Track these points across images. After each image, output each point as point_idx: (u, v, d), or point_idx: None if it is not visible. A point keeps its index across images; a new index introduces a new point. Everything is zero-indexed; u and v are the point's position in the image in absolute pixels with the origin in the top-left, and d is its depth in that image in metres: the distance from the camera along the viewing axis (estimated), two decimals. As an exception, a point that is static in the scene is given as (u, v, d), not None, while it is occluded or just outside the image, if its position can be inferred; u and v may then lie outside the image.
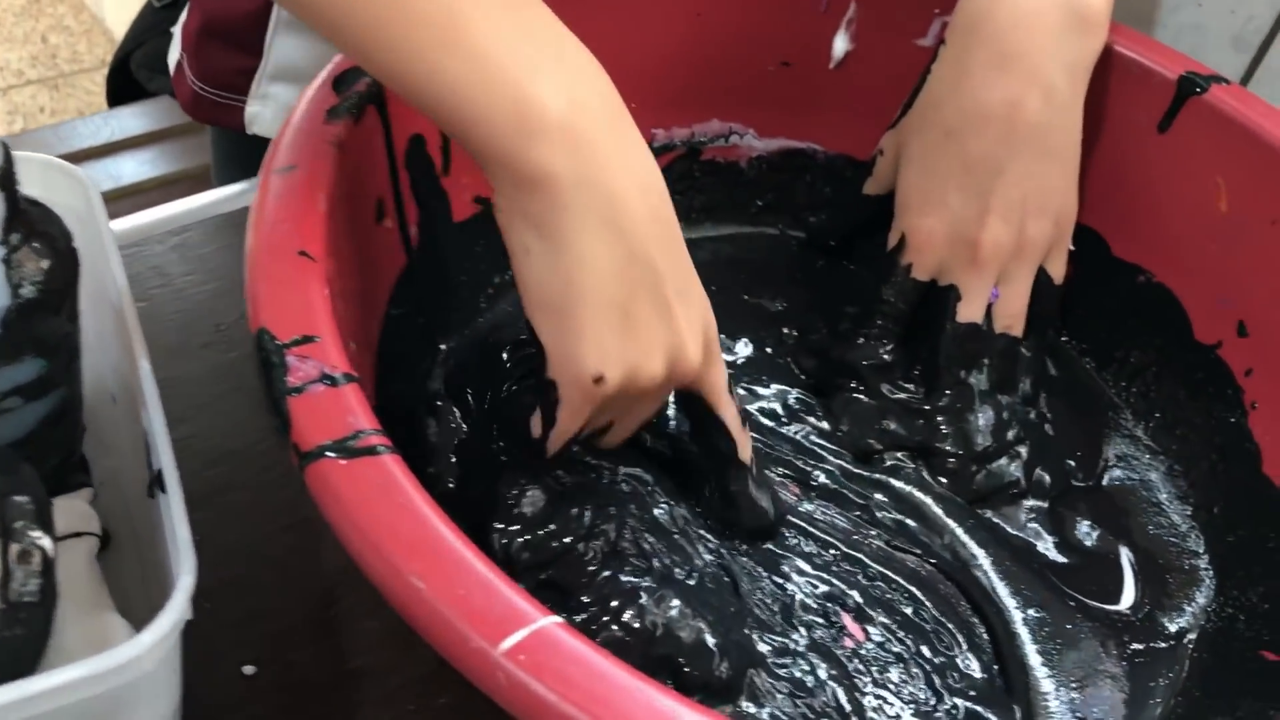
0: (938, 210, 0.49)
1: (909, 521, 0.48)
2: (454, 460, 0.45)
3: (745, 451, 0.44)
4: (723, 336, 0.45)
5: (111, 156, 1.05)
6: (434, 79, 0.34)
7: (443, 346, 0.49)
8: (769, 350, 0.54)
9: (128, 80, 0.88)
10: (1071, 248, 0.51)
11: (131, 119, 1.06)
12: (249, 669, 0.41)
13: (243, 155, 0.74)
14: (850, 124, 0.56)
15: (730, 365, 0.51)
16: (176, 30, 0.73)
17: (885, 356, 0.52)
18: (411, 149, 0.44)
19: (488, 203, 0.50)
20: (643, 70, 0.52)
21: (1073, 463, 0.51)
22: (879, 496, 0.48)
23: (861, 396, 0.51)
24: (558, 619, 0.28)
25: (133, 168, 1.04)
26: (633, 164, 0.36)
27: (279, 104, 0.69)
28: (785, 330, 0.54)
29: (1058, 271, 0.51)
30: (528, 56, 0.34)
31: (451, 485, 0.45)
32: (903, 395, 0.51)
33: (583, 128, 0.34)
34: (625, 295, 0.36)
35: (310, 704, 0.41)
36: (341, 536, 0.29)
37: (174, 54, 0.74)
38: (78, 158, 1.03)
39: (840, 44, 0.55)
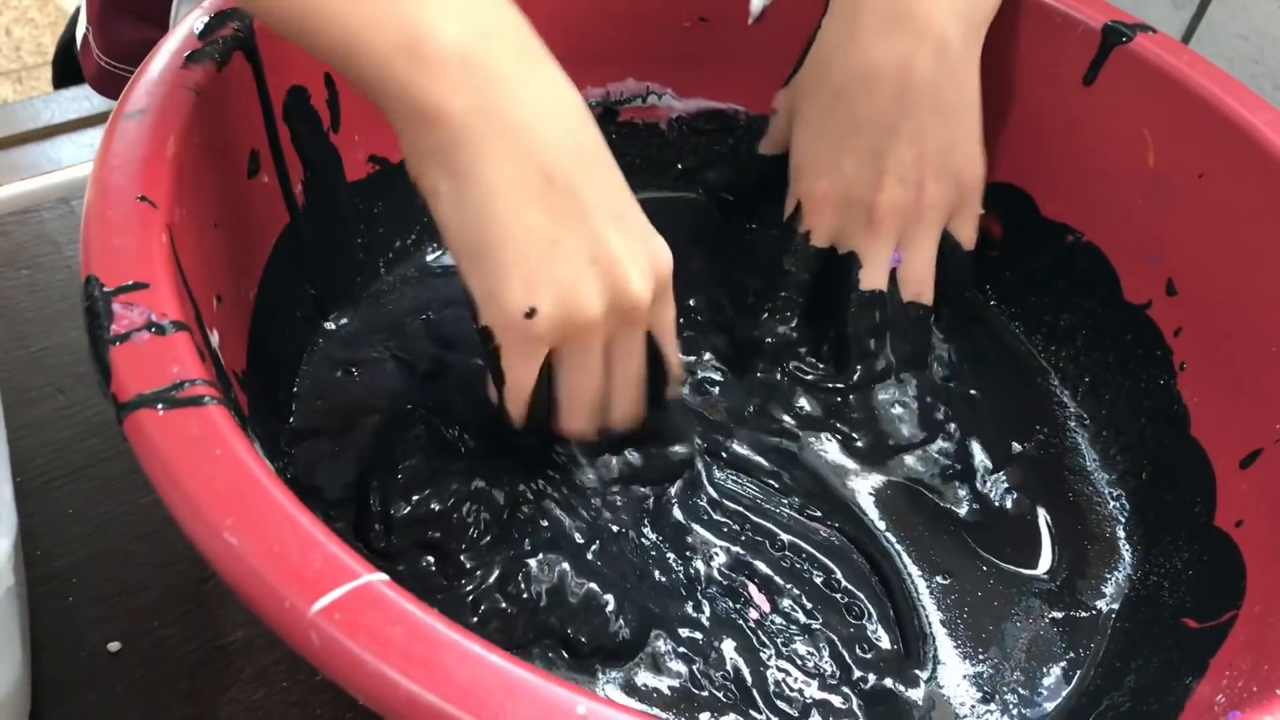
0: (831, 173, 0.47)
1: (822, 490, 0.46)
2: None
3: (677, 390, 0.42)
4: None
5: (50, 139, 1.02)
6: (318, 7, 0.31)
7: (335, 316, 0.47)
8: (679, 322, 0.52)
9: (74, 64, 0.86)
10: (981, 210, 0.49)
11: (72, 102, 1.04)
12: (114, 645, 0.39)
13: None
14: (772, 84, 0.54)
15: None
16: (81, 2, 0.71)
17: (791, 332, 0.49)
18: (292, 101, 0.42)
19: (384, 162, 0.49)
20: (552, 25, 0.50)
21: (1004, 433, 0.49)
22: (791, 468, 0.46)
23: (771, 375, 0.49)
24: (383, 576, 0.26)
25: (72, 151, 1.01)
26: (542, 90, 0.34)
27: None
28: (692, 303, 0.52)
29: (966, 236, 0.49)
30: None
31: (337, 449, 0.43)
32: (811, 375, 0.49)
33: (481, 55, 0.32)
34: (547, 223, 0.33)
35: (177, 681, 0.38)
36: (158, 491, 0.27)
37: (80, 27, 0.72)
38: (14, 141, 1.00)
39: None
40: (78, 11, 0.85)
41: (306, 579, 0.25)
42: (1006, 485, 0.47)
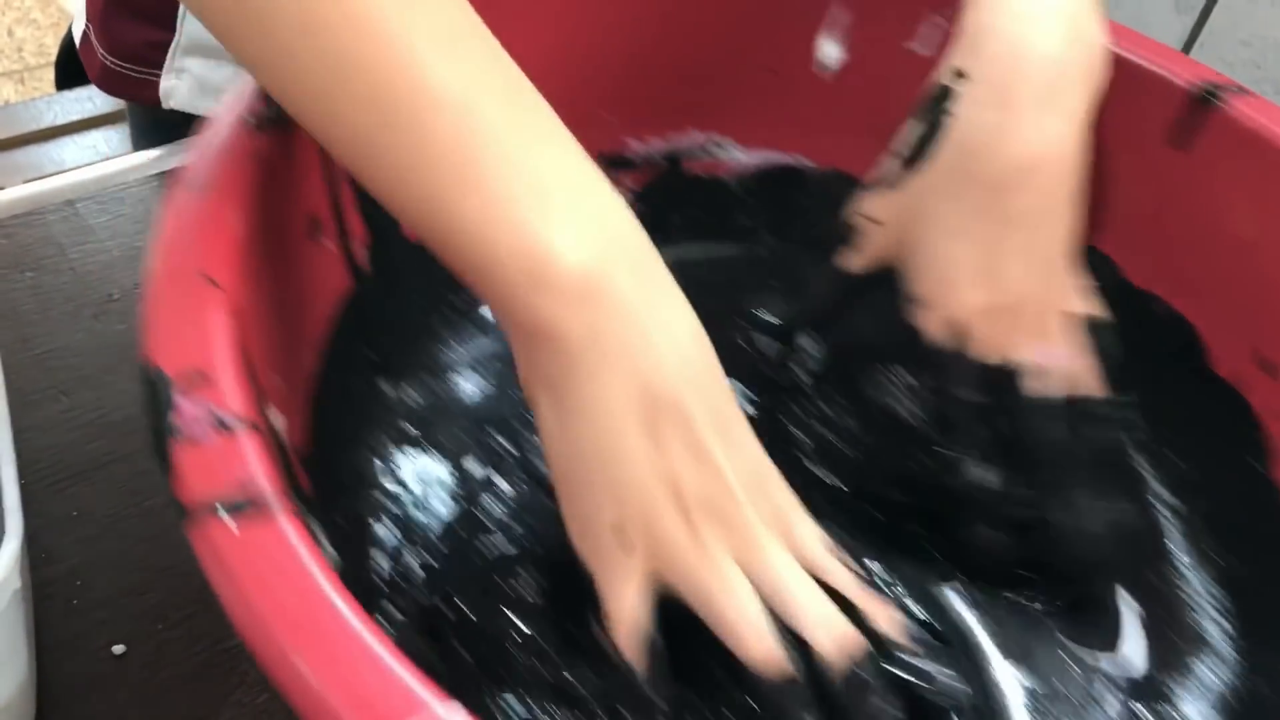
0: (990, 282, 0.41)
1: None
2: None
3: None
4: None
5: (54, 141, 1.02)
6: (446, 219, 0.30)
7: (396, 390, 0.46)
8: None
9: (77, 65, 0.85)
10: None
11: (75, 103, 1.04)
12: (118, 648, 0.39)
13: (161, 129, 0.70)
14: (842, 138, 0.53)
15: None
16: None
17: (991, 480, 0.43)
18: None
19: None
20: (614, 74, 0.49)
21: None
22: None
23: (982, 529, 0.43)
24: (458, 706, 0.24)
25: (75, 153, 1.01)
26: (660, 315, 0.32)
27: (195, 78, 0.66)
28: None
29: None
30: (545, 200, 0.31)
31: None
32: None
33: (601, 278, 0.31)
34: (648, 446, 0.32)
35: (182, 684, 0.38)
36: (226, 609, 0.26)
37: (79, 25, 0.71)
38: (18, 142, 1.00)
39: (828, 49, 0.51)
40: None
41: (380, 710, 0.24)
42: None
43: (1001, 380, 0.43)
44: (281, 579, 0.25)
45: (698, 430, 0.32)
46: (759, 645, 0.33)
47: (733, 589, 0.33)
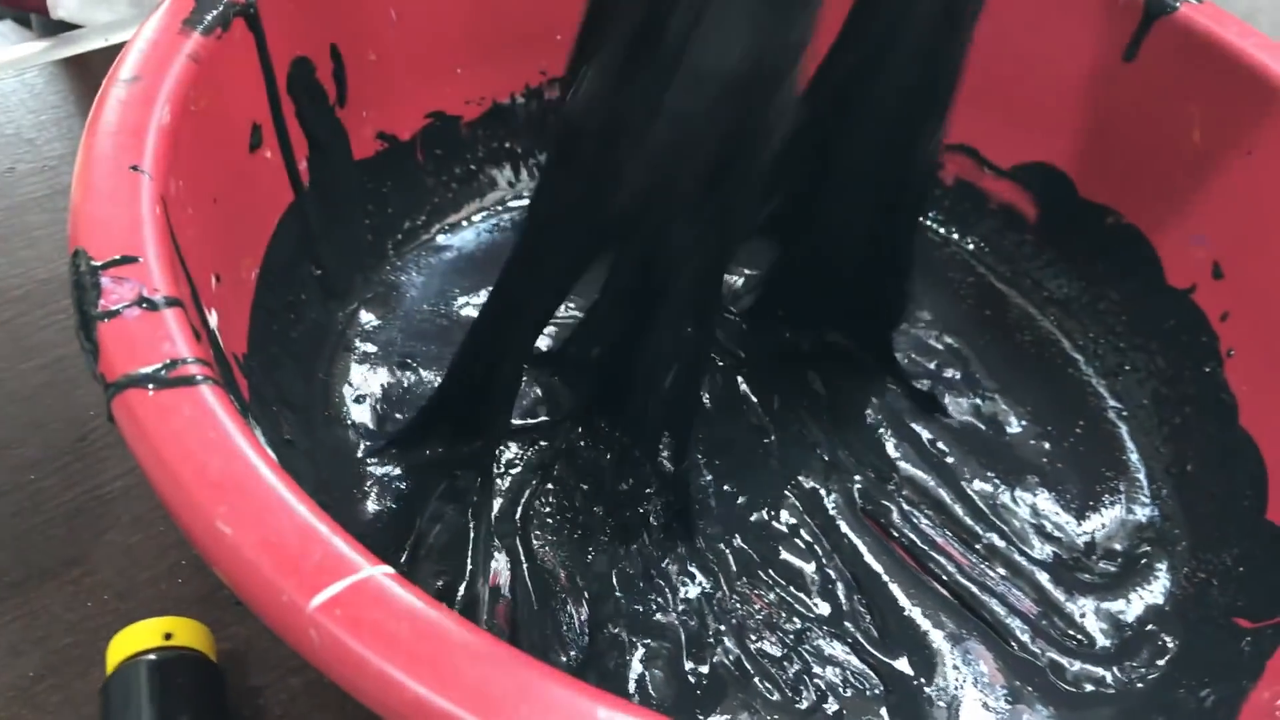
0: None
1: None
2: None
3: None
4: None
5: None
6: None
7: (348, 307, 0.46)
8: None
9: None
10: None
11: None
12: None
13: None
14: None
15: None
16: None
17: None
18: (296, 73, 0.40)
19: (393, 140, 0.47)
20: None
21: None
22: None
23: None
24: (388, 569, 0.24)
25: None
26: None
27: None
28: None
29: None
30: None
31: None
32: None
33: None
34: None
35: (53, 527, 0.39)
36: (147, 475, 0.25)
37: None
38: None
39: None
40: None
41: (305, 571, 0.23)
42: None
43: None
44: (201, 441, 0.25)
45: None
46: None
47: None
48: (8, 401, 0.43)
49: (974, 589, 0.40)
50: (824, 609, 0.39)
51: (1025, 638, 0.39)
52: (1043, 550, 0.42)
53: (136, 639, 0.33)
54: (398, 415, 0.42)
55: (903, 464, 0.44)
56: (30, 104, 0.55)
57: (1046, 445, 0.46)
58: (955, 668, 0.38)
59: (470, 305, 0.47)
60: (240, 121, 0.38)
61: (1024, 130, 0.50)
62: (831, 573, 0.40)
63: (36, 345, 0.44)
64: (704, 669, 0.37)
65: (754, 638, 0.38)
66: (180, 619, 0.35)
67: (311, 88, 0.41)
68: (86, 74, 0.58)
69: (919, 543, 0.41)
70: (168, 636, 0.34)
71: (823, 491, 0.42)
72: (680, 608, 0.38)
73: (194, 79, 0.34)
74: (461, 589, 0.38)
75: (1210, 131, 0.44)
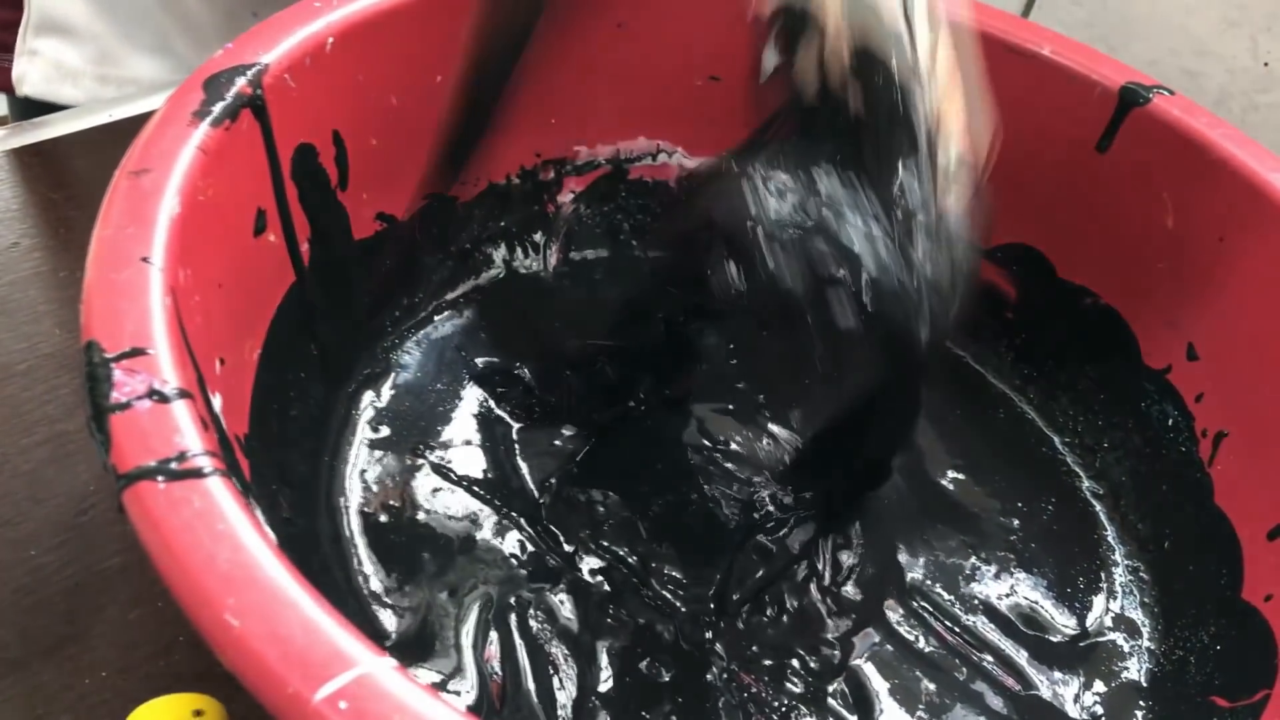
0: None
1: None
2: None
3: None
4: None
5: None
6: None
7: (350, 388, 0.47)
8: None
9: None
10: None
11: None
12: None
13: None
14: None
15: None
16: None
17: None
18: (299, 159, 0.41)
19: (391, 220, 0.48)
20: (563, 83, 0.50)
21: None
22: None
23: None
24: (391, 662, 0.24)
25: None
26: None
27: (49, 61, 0.62)
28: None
29: None
30: None
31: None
32: None
33: None
34: None
35: (52, 604, 0.40)
36: (156, 565, 0.26)
37: None
38: None
39: (770, 58, 0.53)
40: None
41: (310, 664, 0.24)
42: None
43: None
44: (210, 534, 0.25)
45: None
46: None
47: None
48: (10, 476, 0.43)
49: (956, 663, 0.41)
50: (800, 688, 0.40)
51: (1005, 713, 0.40)
52: (1020, 627, 0.43)
53: (162, 715, 0.34)
54: (393, 503, 0.43)
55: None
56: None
57: (1016, 522, 0.47)
58: (939, 745, 0.39)
59: (467, 381, 0.48)
60: (246, 208, 0.39)
61: (1003, 211, 0.52)
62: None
63: (39, 420, 0.45)
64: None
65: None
66: (199, 695, 0.35)
67: (314, 172, 0.43)
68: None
69: (896, 621, 0.42)
70: (198, 714, 0.34)
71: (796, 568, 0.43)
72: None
73: (203, 170, 0.35)
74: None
75: (1182, 218, 0.46)
